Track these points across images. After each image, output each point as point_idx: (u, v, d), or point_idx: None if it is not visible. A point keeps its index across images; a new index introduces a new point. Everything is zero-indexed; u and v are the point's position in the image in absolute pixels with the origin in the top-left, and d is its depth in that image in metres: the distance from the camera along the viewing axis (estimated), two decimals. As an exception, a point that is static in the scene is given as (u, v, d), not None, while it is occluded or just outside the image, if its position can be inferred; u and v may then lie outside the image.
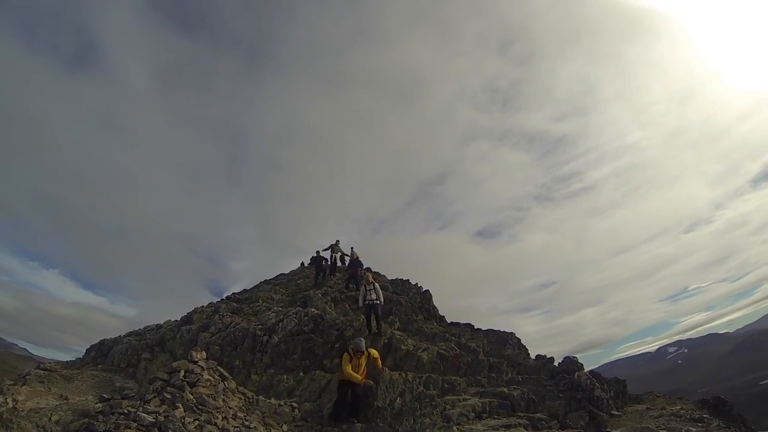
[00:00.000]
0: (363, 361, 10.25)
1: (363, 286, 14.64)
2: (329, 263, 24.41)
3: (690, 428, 9.70)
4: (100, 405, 8.51)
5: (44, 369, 11.80)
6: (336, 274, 24.18)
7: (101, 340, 17.97)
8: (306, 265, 29.28)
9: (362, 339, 10.48)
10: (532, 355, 16.51)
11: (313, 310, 16.43)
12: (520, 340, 17.95)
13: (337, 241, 26.12)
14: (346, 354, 10.22)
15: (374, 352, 10.90)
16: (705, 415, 10.90)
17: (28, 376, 10.73)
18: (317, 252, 23.94)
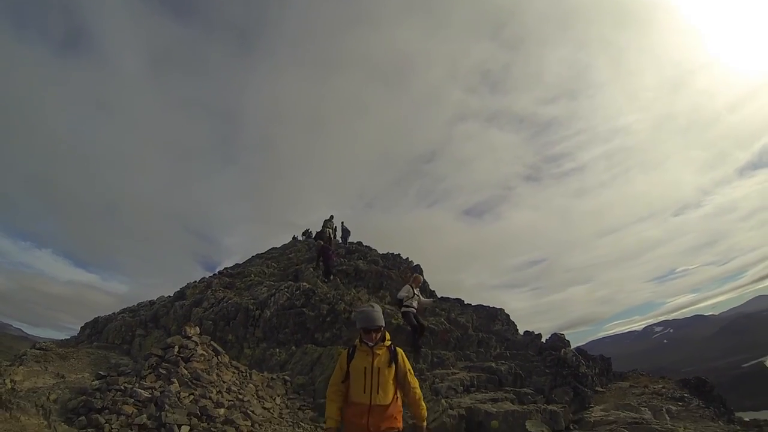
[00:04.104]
0: (383, 356, 4.55)
1: (410, 286, 11.87)
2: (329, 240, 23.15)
3: (670, 407, 10.00)
4: (96, 382, 8.70)
5: (40, 348, 11.92)
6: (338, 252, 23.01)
7: (95, 318, 18.15)
8: (299, 238, 29.16)
9: (375, 306, 4.77)
10: (521, 331, 16.84)
11: (304, 284, 16.64)
12: (509, 315, 18.31)
13: (331, 216, 24.71)
14: (344, 352, 4.74)
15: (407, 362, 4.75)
16: (686, 395, 11.21)
17: (24, 357, 10.85)
18: (316, 236, 21.00)
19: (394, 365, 4.54)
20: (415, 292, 11.82)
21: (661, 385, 12.17)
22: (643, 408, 9.61)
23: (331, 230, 24.00)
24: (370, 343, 4.50)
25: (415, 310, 11.76)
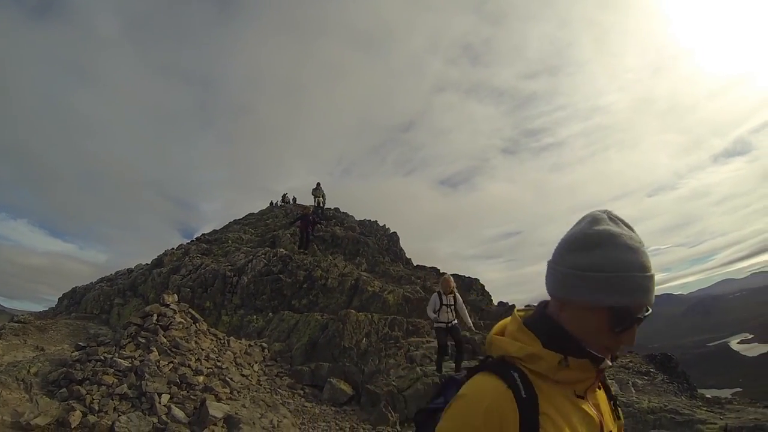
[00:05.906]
0: (603, 399, 1.50)
1: (438, 294, 8.98)
2: (318, 209, 22.04)
3: (636, 380, 10.59)
4: (76, 353, 8.74)
5: (18, 321, 11.82)
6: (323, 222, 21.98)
7: (73, 288, 18.06)
8: (277, 204, 28.90)
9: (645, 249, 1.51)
10: (495, 302, 17.23)
11: (281, 250, 16.72)
12: (483, 286, 18.61)
13: (318, 184, 23.16)
14: (493, 397, 1.51)
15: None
16: (652, 370, 11.81)
17: (2, 330, 10.77)
18: (295, 202, 20.58)
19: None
20: (444, 301, 8.89)
21: (628, 359, 12.77)
22: (610, 380, 10.17)
23: (321, 199, 22.84)
24: (604, 364, 1.54)
25: (446, 325, 8.89)
